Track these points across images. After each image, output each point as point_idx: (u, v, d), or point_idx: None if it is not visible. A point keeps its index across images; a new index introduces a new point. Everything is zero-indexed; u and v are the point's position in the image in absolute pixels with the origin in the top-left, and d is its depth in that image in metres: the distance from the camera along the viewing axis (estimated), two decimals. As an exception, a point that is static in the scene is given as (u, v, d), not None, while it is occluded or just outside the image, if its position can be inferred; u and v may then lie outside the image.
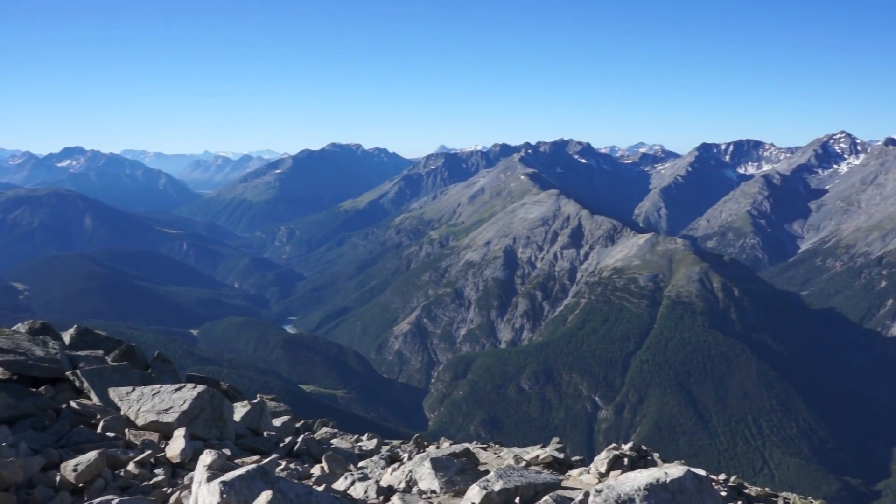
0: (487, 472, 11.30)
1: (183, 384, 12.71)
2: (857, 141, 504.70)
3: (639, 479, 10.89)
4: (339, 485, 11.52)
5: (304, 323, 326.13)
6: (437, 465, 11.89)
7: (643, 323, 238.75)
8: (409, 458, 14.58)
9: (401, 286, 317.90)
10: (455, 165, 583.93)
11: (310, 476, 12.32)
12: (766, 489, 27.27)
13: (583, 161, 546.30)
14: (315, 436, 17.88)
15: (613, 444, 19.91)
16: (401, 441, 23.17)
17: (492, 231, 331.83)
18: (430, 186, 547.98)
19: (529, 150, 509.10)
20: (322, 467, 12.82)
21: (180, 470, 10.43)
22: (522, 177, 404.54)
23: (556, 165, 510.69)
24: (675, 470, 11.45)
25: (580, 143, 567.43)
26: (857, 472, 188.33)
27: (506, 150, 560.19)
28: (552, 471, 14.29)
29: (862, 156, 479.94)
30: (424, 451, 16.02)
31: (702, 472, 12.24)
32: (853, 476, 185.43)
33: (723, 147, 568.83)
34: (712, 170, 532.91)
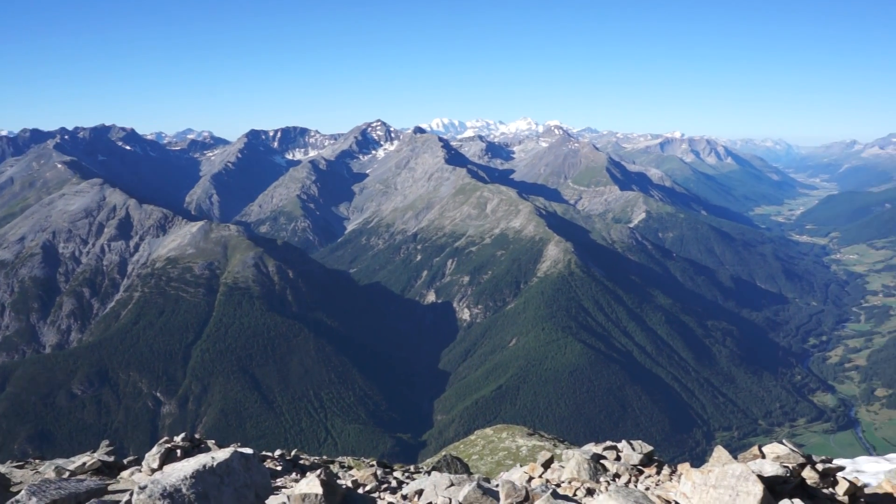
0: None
1: None
2: (392, 129, 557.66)
3: (185, 468, 10.85)
4: None
5: None
6: (-49, 498, 10.98)
7: (201, 312, 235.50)
8: None
9: None
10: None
11: None
12: (324, 457, 27.32)
13: (128, 148, 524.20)
14: None
15: (165, 438, 18.32)
16: None
17: (26, 226, 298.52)
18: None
19: (66, 137, 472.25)
20: None
21: None
22: (59, 165, 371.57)
23: (98, 153, 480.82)
24: (221, 453, 11.05)
25: (124, 129, 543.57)
26: (408, 427, 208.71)
27: (37, 136, 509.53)
28: (101, 476, 14.30)
29: (396, 142, 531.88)
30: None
31: (249, 451, 13.10)
32: (404, 432, 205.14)
33: (271, 134, 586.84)
34: (262, 156, 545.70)
